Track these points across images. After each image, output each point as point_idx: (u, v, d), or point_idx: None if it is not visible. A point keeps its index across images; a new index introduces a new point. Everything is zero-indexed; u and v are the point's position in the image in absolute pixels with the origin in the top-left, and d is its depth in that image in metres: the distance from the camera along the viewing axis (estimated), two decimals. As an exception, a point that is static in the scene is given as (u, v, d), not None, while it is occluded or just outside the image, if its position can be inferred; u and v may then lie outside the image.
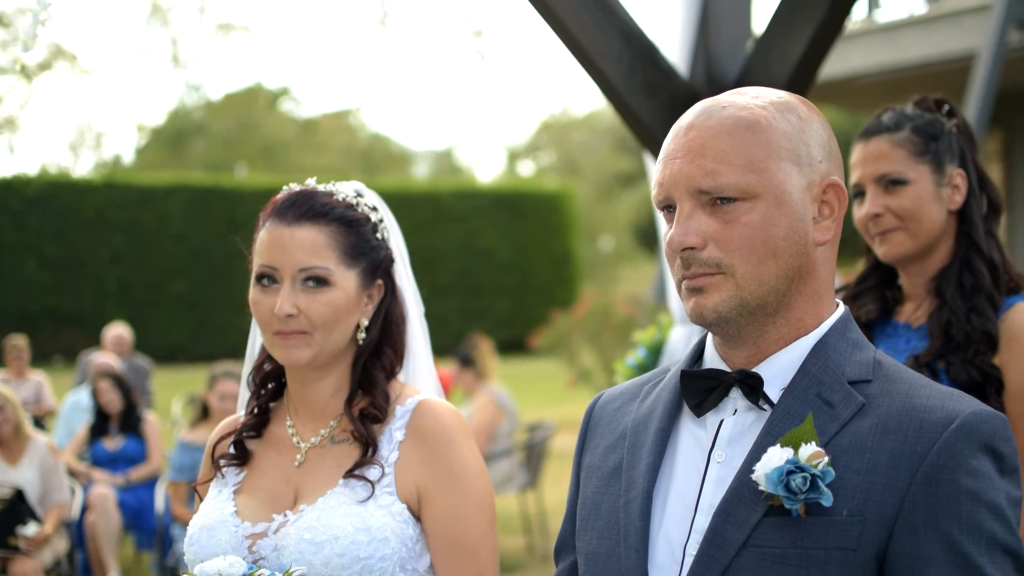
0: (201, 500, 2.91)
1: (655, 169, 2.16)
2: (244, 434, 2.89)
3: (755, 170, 2.06)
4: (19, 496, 8.72)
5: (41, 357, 24.16)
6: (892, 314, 3.54)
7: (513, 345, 31.19)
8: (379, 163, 53.12)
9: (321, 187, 2.87)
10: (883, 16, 14.91)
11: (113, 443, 10.73)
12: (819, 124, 2.15)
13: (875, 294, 3.56)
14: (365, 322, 2.84)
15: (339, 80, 79.57)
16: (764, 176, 2.06)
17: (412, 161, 58.66)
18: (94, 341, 15.27)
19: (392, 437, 2.77)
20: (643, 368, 5.25)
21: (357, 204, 2.86)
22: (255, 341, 3.04)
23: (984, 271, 3.36)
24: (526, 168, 61.66)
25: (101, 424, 10.81)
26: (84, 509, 9.96)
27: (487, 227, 35.33)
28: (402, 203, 33.75)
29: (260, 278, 2.78)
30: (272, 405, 2.94)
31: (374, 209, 2.90)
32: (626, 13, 4.72)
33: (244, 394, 3.03)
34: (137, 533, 10.61)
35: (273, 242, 2.77)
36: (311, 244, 2.76)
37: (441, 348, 11.89)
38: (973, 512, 1.94)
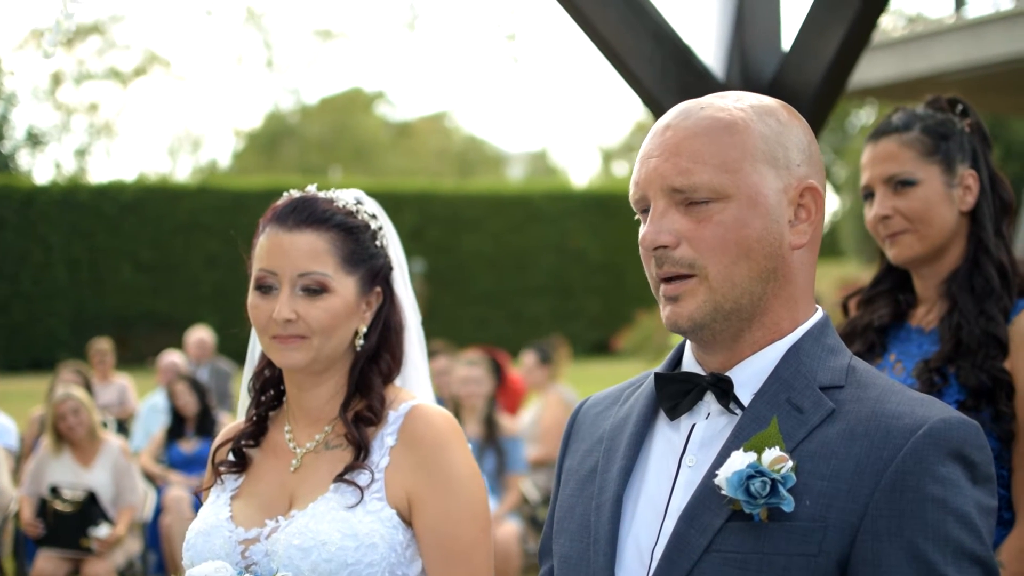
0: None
1: (633, 169, 2.15)
2: (242, 442, 2.90)
3: (729, 170, 2.04)
4: (91, 498, 8.89)
5: (136, 360, 24.57)
6: (906, 318, 3.46)
7: (604, 346, 31.10)
8: (473, 165, 53.26)
9: (322, 194, 2.89)
10: (970, 12, 14.68)
11: (189, 445, 10.86)
12: (799, 129, 2.13)
13: (888, 298, 3.48)
14: (363, 329, 2.85)
15: (434, 83, 79.89)
16: (738, 177, 2.05)
17: (506, 163, 58.73)
18: (187, 344, 15.40)
19: (383, 442, 2.77)
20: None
21: (357, 211, 2.87)
22: (255, 347, 3.05)
23: (993, 273, 3.26)
24: (621, 169, 61.42)
25: (177, 427, 10.95)
26: (159, 511, 10.11)
27: (579, 228, 35.24)
28: (495, 205, 33.82)
29: (259, 283, 2.79)
30: (272, 413, 2.95)
31: (373, 217, 2.91)
32: (658, 14, 4.67)
33: (244, 400, 3.05)
34: (212, 535, 10.69)
35: (273, 247, 2.78)
36: (311, 250, 2.77)
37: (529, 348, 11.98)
38: (939, 520, 1.90)
